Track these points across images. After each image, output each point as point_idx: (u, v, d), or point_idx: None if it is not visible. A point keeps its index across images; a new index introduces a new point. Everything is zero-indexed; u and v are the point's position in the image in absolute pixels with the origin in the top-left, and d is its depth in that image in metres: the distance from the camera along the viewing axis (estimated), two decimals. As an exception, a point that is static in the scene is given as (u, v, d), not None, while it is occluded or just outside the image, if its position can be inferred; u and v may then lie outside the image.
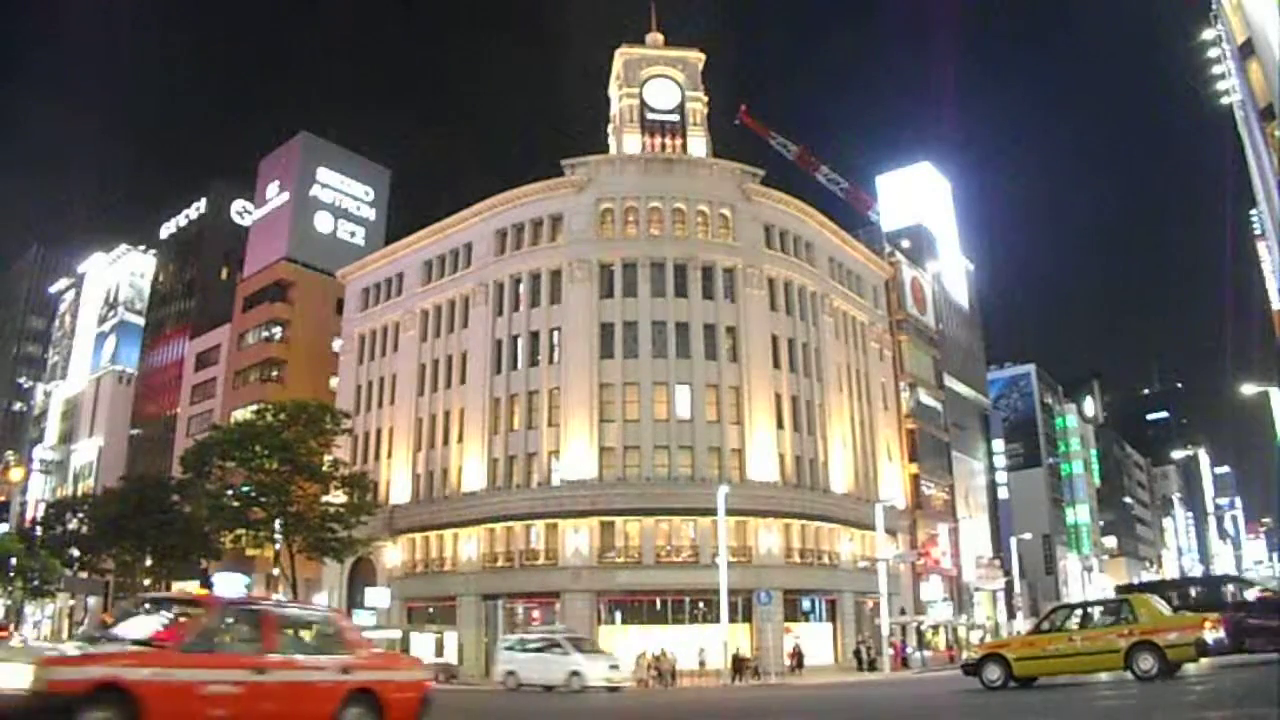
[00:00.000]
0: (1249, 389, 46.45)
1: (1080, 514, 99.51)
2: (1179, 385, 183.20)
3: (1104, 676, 17.02)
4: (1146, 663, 16.38)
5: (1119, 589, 23.81)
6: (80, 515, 67.81)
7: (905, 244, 69.51)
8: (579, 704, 24.18)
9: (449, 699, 25.50)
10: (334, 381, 62.48)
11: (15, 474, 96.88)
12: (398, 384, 56.33)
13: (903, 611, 53.90)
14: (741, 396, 48.73)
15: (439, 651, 44.09)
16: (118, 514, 59.77)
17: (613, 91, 58.67)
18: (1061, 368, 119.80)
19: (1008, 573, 72.07)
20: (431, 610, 50.17)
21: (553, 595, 45.85)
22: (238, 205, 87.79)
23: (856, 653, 46.08)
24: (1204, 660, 17.61)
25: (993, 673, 18.27)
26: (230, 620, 9.91)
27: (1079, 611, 19.05)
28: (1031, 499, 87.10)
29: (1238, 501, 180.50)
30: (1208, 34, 36.82)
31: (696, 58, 57.41)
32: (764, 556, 46.18)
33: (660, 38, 59.25)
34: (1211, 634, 16.39)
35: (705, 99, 56.96)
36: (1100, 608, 18.85)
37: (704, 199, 51.71)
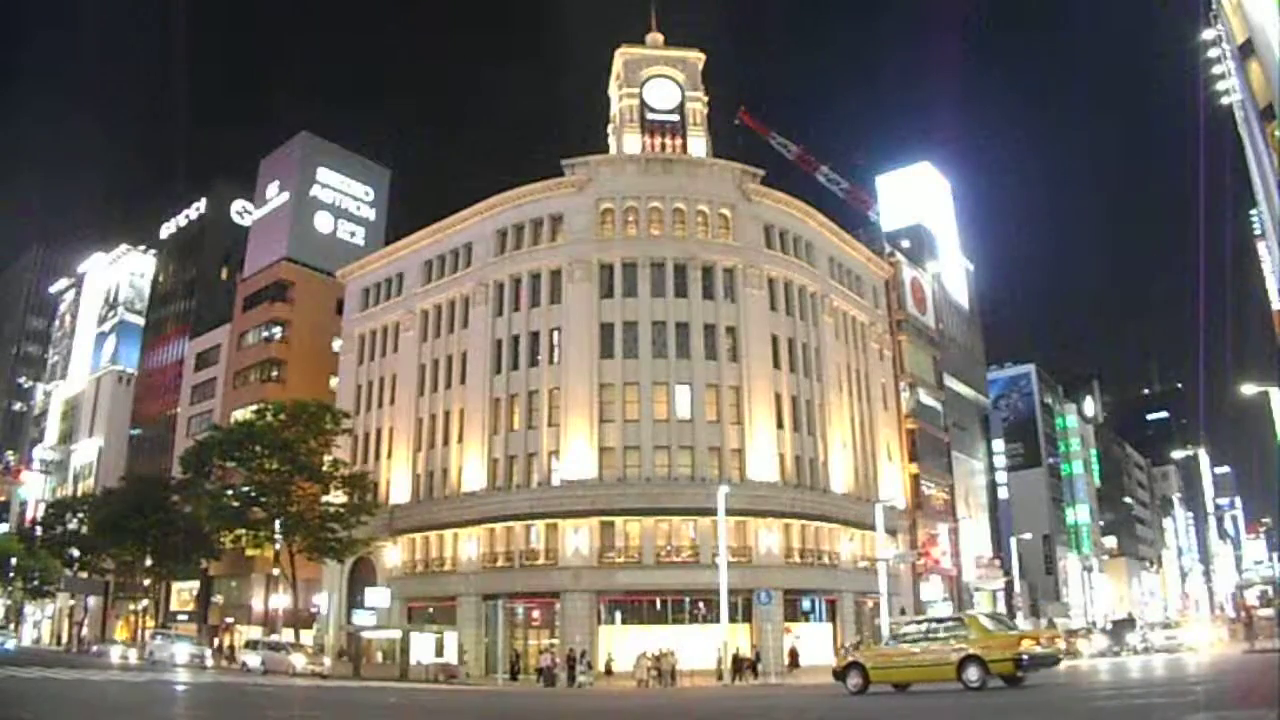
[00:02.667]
0: (1249, 389, 46.30)
1: (1080, 514, 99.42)
2: (1179, 385, 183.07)
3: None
4: (973, 675, 18.01)
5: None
6: (80, 515, 67.88)
7: (905, 244, 69.46)
8: (577, 704, 24.19)
9: (450, 700, 25.51)
10: (334, 381, 62.47)
11: (25, 476, 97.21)
12: (398, 384, 56.31)
13: (903, 611, 53.85)
14: (741, 396, 48.71)
15: (439, 651, 44.04)
16: (118, 514, 59.86)
17: (613, 91, 58.65)
18: (1061, 368, 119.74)
19: (1008, 573, 72.03)
20: (431, 610, 50.14)
21: (553, 595, 45.84)
22: (238, 205, 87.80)
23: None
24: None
25: (854, 679, 20.24)
26: None
27: (923, 626, 21.03)
28: (1031, 499, 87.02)
29: (1238, 501, 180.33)
30: (1208, 34, 36.69)
31: (696, 58, 57.39)
32: (764, 556, 46.17)
33: (660, 38, 59.23)
34: (1030, 650, 18.01)
35: (705, 99, 56.95)
36: (940, 624, 20.66)
37: (704, 199, 51.69)
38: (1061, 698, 16.33)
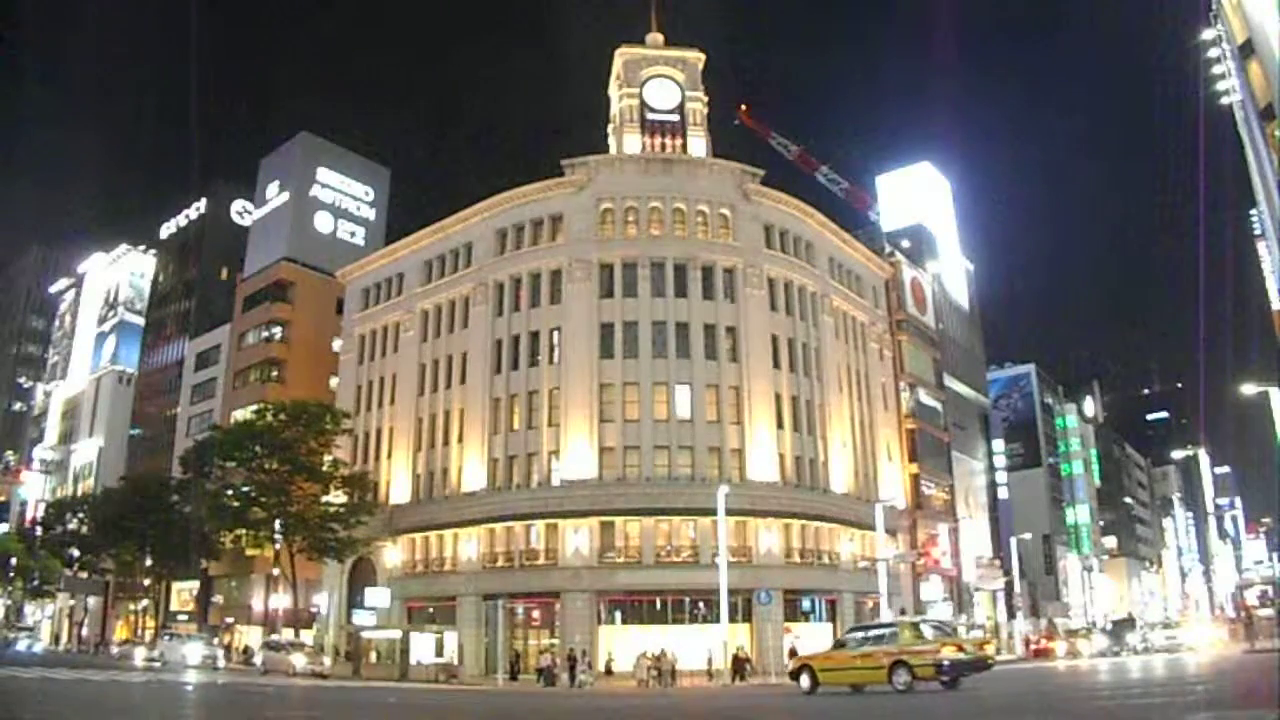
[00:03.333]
0: (1249, 389, 46.36)
1: (1080, 514, 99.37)
2: (1179, 385, 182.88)
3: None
4: (901, 678, 19.81)
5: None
6: (80, 515, 67.92)
7: (905, 244, 69.43)
8: (574, 704, 24.21)
9: (450, 700, 25.53)
10: (334, 381, 62.46)
11: (25, 476, 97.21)
12: (398, 384, 56.29)
13: (903, 611, 53.79)
14: (741, 396, 48.70)
15: (439, 651, 44.05)
16: (118, 514, 59.92)
17: (613, 91, 58.63)
18: (1061, 368, 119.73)
19: (1008, 573, 72.01)
20: (431, 610, 50.13)
21: (553, 595, 45.81)
22: (238, 205, 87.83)
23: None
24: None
25: (805, 680, 22.18)
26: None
27: (862, 633, 23.02)
28: (1031, 499, 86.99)
29: (1238, 501, 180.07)
30: (1208, 34, 36.73)
31: (696, 58, 57.36)
32: (764, 556, 46.16)
33: (660, 38, 59.19)
34: (950, 656, 19.58)
35: (705, 99, 56.90)
36: (877, 630, 22.67)
37: (704, 199, 51.68)
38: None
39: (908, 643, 20.50)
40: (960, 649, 20.08)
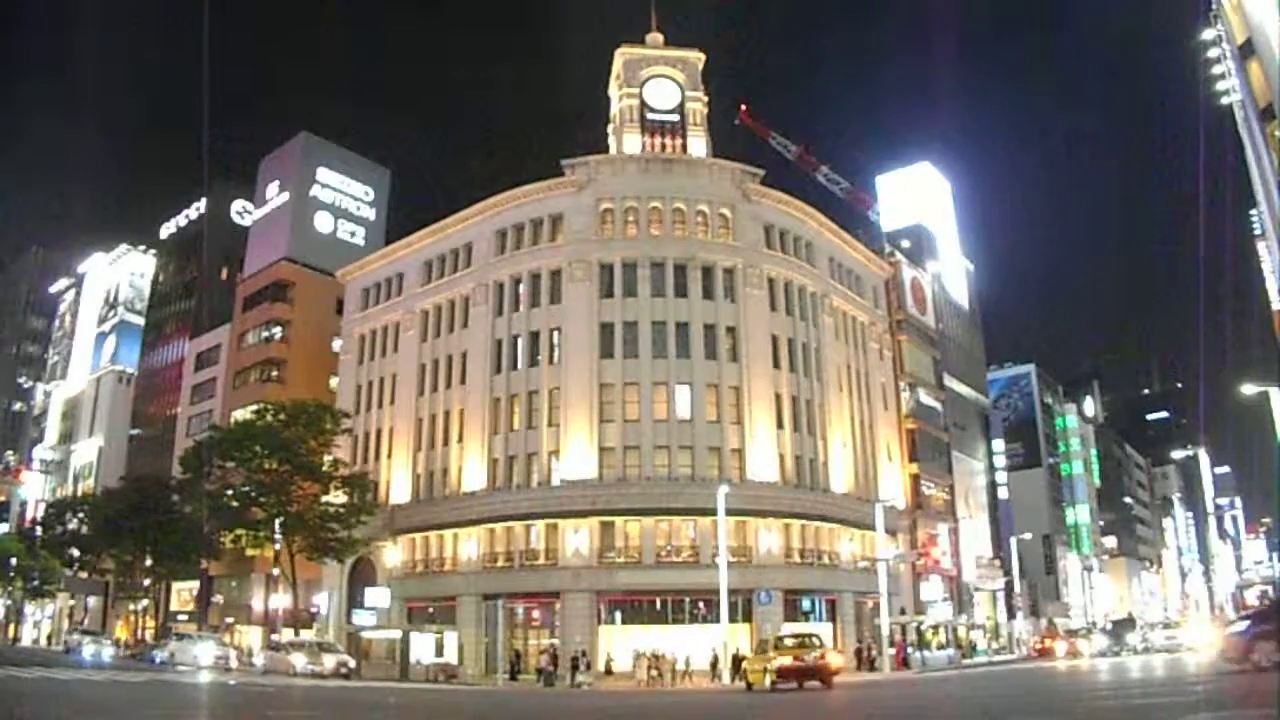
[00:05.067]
0: (1249, 389, 46.28)
1: (1080, 514, 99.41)
2: (1179, 385, 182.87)
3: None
4: (768, 680, 25.88)
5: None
6: (80, 515, 67.87)
7: (905, 244, 69.42)
8: (574, 704, 24.24)
9: (450, 700, 25.53)
10: (334, 381, 62.46)
11: (25, 476, 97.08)
12: (398, 384, 56.30)
13: (903, 611, 53.89)
14: (741, 396, 48.71)
15: (439, 651, 44.04)
16: (118, 514, 59.88)
17: (613, 91, 58.63)
18: (1061, 368, 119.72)
19: (1008, 573, 72.01)
20: (431, 610, 50.14)
21: (553, 595, 45.83)
22: (238, 205, 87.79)
23: (857, 652, 46.38)
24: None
25: (742, 680, 29.09)
26: None
27: (764, 642, 29.40)
28: (1031, 499, 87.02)
29: (1238, 501, 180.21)
30: (1208, 34, 36.71)
31: (696, 58, 57.36)
32: (764, 556, 46.17)
33: (660, 38, 59.19)
34: (782, 664, 25.79)
35: (705, 99, 56.89)
36: (771, 641, 28.73)
37: (704, 199, 51.69)
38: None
39: (770, 653, 26.75)
40: (797, 658, 25.91)
